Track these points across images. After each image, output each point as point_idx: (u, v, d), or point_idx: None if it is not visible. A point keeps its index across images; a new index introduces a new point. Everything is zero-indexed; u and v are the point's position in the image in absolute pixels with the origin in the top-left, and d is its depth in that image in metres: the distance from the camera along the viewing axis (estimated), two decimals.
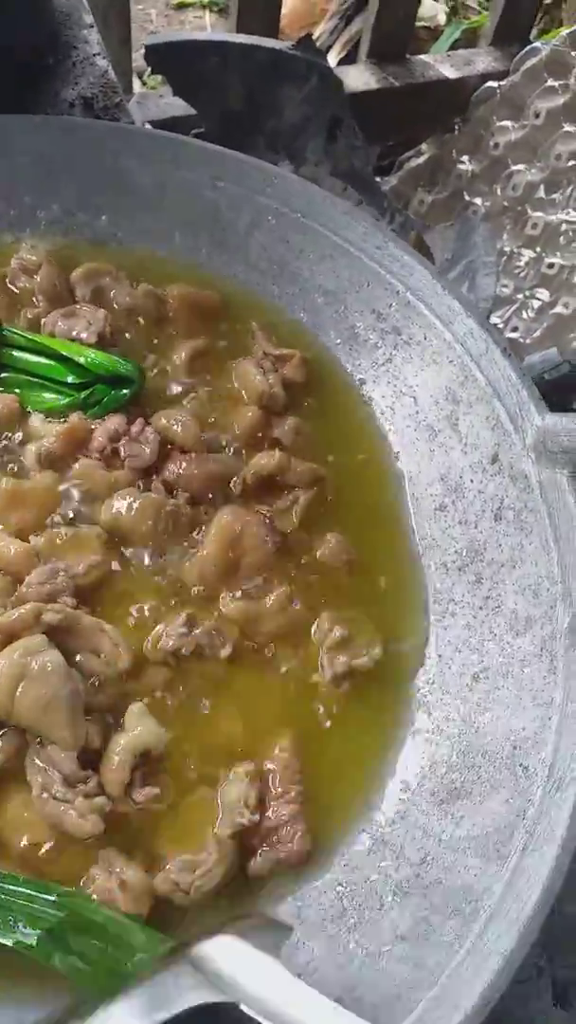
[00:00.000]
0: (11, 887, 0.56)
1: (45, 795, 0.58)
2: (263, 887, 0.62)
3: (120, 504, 0.69)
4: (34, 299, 0.79)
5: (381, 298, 0.81)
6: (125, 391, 0.74)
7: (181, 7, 2.06)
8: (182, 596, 0.69)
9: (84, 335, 0.76)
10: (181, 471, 0.72)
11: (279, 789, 0.64)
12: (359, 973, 0.56)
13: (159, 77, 1.85)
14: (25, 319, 0.79)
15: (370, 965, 0.57)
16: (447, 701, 0.68)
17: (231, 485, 0.74)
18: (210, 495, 0.73)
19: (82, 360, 0.74)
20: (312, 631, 0.70)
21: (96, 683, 0.63)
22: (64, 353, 0.74)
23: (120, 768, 0.60)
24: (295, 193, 0.83)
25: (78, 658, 0.63)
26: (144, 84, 1.84)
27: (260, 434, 0.77)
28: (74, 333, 0.76)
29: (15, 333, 0.76)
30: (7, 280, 0.81)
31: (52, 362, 0.75)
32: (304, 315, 0.85)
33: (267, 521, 0.72)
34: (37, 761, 0.60)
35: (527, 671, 0.65)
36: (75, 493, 0.71)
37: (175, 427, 0.74)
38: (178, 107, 1.42)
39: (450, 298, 0.78)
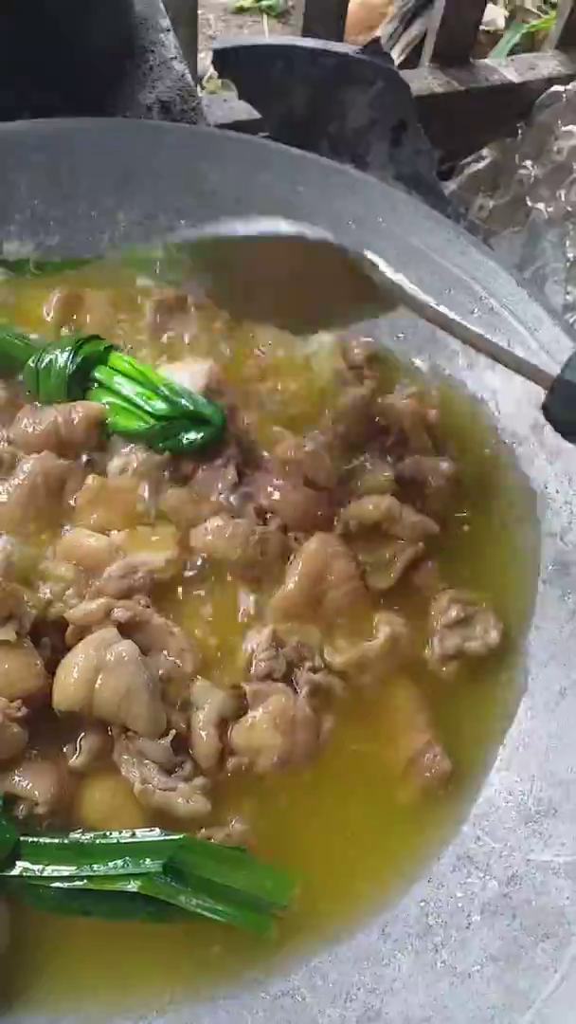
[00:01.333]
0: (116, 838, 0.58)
1: (149, 786, 0.59)
2: None
3: (210, 526, 0.69)
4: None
5: (464, 304, 0.80)
6: (202, 435, 0.72)
7: (240, 12, 2.07)
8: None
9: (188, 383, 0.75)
10: (276, 498, 0.70)
11: (407, 721, 0.65)
12: (449, 992, 0.55)
13: (219, 81, 1.86)
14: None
15: (459, 985, 0.55)
16: (534, 715, 0.66)
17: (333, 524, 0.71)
18: (307, 526, 0.70)
19: (167, 393, 0.73)
20: (431, 609, 0.69)
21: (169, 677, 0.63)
22: (157, 384, 0.74)
23: (209, 741, 0.61)
24: (377, 198, 0.83)
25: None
26: (203, 88, 1.84)
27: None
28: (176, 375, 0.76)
29: (120, 357, 0.76)
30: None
31: (142, 388, 0.74)
32: (383, 320, 0.83)
33: (361, 572, 0.69)
34: (128, 756, 0.60)
35: None
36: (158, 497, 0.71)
37: (303, 458, 0.71)
38: (242, 111, 1.42)
39: (535, 305, 0.77)
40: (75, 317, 0.81)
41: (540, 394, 0.74)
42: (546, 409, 0.59)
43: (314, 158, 0.83)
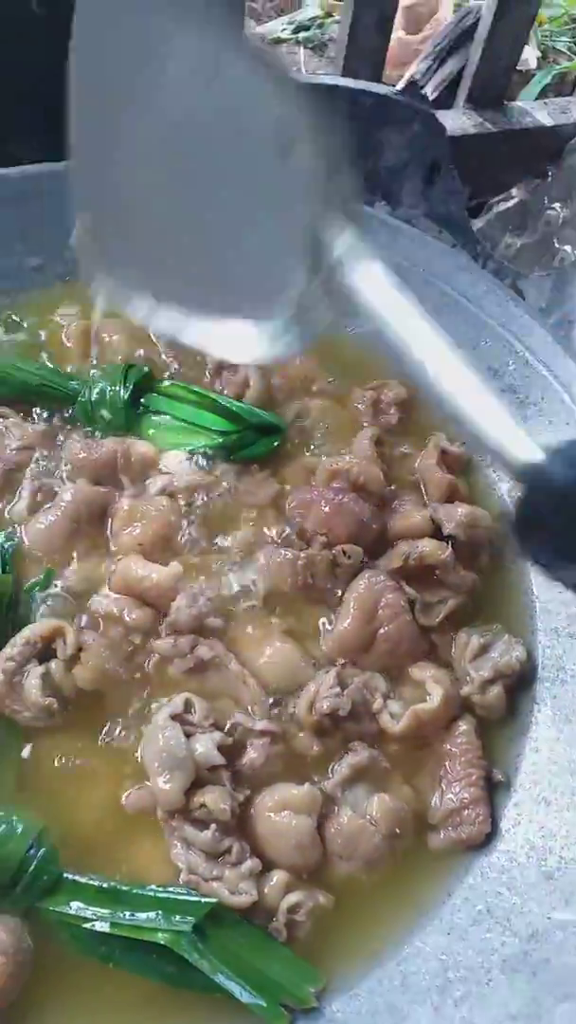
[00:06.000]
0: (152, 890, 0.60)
1: (194, 877, 0.59)
2: None
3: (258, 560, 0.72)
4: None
5: (498, 356, 0.81)
6: (275, 440, 0.78)
7: (277, 43, 2.10)
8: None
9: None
10: (326, 509, 0.72)
11: (460, 771, 0.65)
12: None
13: None
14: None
15: None
16: (555, 771, 0.67)
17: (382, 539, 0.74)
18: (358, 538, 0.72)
19: (235, 408, 0.77)
20: (451, 651, 0.71)
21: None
22: (221, 402, 0.78)
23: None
24: (417, 248, 0.84)
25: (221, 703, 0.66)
26: None
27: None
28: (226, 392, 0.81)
29: (177, 385, 0.81)
30: None
31: (202, 410, 0.79)
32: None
33: (409, 607, 0.71)
34: (176, 840, 0.61)
35: None
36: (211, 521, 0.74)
37: (354, 469, 0.75)
38: None
39: (570, 361, 0.78)
40: (96, 344, 0.84)
41: None
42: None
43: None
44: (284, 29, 2.10)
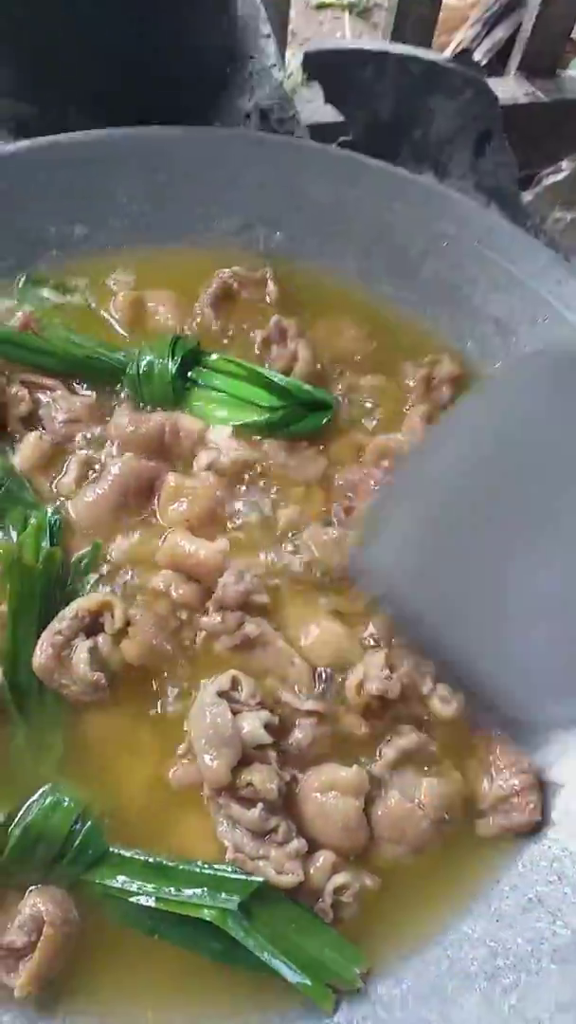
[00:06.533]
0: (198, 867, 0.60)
1: (240, 855, 0.59)
2: None
3: (305, 535, 0.71)
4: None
5: (556, 334, 0.79)
6: (324, 417, 0.76)
7: (321, 8, 2.05)
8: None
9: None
10: (375, 490, 0.71)
11: (511, 757, 0.64)
12: None
13: (298, 80, 1.84)
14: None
15: None
16: None
17: None
18: None
19: (284, 383, 0.75)
20: None
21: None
22: (269, 377, 0.76)
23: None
24: (474, 220, 0.82)
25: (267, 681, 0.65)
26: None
27: None
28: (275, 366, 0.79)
29: (225, 359, 0.79)
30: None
31: (250, 385, 0.77)
32: (471, 343, 0.83)
33: None
34: (222, 819, 0.60)
35: None
36: (258, 498, 0.73)
37: (405, 447, 0.74)
38: (325, 113, 1.40)
39: None
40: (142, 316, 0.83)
41: None
42: None
43: (411, 177, 0.82)
44: None
